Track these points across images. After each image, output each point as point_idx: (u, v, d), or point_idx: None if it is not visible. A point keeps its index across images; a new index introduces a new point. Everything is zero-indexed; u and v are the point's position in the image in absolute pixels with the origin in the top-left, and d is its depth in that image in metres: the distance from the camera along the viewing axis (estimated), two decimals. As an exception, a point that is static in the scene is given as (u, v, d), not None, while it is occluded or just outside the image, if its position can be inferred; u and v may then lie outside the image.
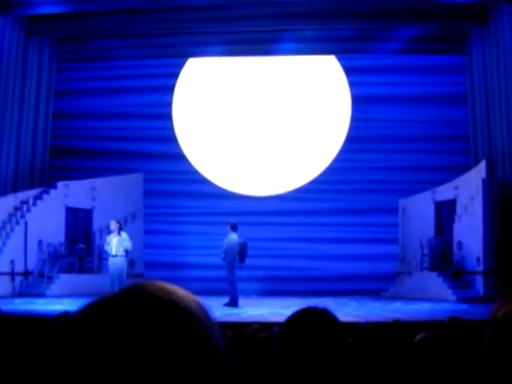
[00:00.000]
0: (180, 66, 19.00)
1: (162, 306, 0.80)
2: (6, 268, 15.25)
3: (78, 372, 0.76)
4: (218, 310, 12.15)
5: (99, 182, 17.45)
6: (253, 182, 18.66)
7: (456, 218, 15.79)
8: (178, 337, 0.78)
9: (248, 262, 13.75)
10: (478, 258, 14.86)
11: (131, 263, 14.75)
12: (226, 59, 18.78)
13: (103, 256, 15.34)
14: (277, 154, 18.63)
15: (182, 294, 0.83)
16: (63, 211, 16.72)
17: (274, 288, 17.19)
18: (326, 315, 2.02)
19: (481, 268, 14.77)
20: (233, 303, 13.15)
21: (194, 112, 18.99)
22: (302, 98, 18.74)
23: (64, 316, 4.35)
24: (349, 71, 18.61)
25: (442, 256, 15.83)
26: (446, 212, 16.40)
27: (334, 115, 18.67)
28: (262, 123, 18.74)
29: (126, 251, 13.17)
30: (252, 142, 18.72)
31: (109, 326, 0.77)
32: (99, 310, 0.80)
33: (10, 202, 15.97)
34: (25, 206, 16.06)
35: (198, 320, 0.81)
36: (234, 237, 13.42)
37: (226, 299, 13.26)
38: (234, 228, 13.53)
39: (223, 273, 13.78)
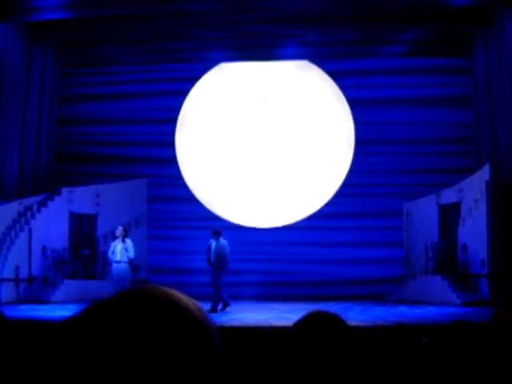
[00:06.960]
0: (183, 70, 18.96)
1: (162, 305, 0.82)
2: (11, 274, 15.26)
3: (80, 372, 0.77)
4: (221, 315, 12.21)
5: (103, 188, 17.46)
6: (262, 211, 18.23)
7: (460, 221, 15.76)
8: (179, 334, 0.80)
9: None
10: (482, 261, 14.81)
11: (135, 269, 14.74)
12: (225, 76, 18.77)
13: (107, 262, 15.35)
14: (279, 185, 18.25)
15: (180, 296, 0.86)
16: (67, 217, 16.73)
17: (278, 292, 17.13)
18: (335, 319, 2.01)
19: (485, 271, 14.72)
20: (216, 307, 13.09)
21: (197, 123, 18.90)
22: (300, 110, 18.46)
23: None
24: (349, 75, 18.53)
25: (447, 259, 15.77)
26: (450, 215, 16.36)
27: (333, 121, 18.55)
28: (260, 139, 18.55)
29: (129, 259, 13.22)
30: (255, 165, 18.44)
31: (110, 325, 0.79)
32: (99, 311, 0.81)
33: (14, 208, 15.98)
34: (29, 212, 16.07)
35: (198, 318, 0.84)
36: (224, 242, 13.49)
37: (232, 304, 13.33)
38: (219, 234, 13.57)
39: (224, 278, 13.65)
